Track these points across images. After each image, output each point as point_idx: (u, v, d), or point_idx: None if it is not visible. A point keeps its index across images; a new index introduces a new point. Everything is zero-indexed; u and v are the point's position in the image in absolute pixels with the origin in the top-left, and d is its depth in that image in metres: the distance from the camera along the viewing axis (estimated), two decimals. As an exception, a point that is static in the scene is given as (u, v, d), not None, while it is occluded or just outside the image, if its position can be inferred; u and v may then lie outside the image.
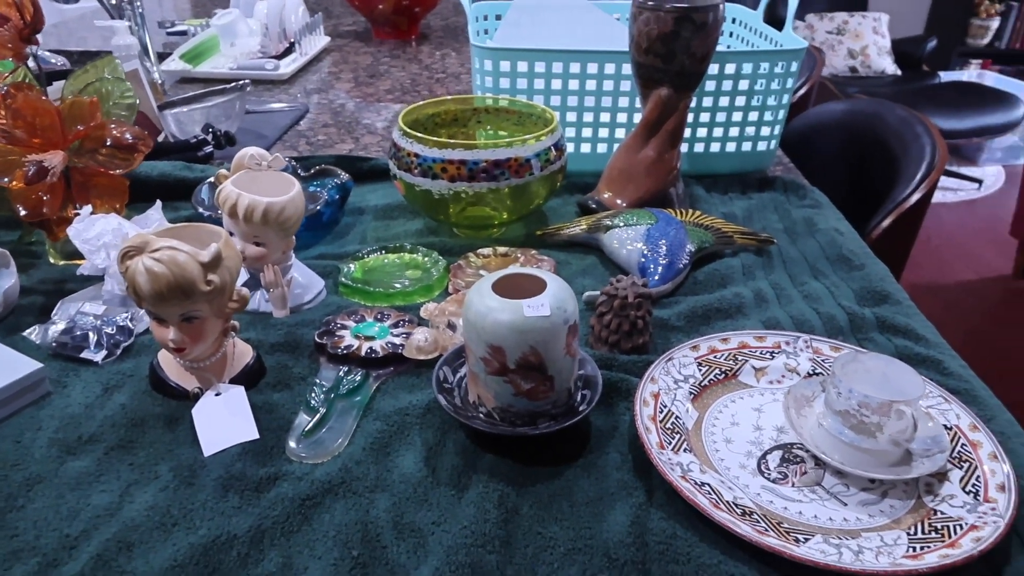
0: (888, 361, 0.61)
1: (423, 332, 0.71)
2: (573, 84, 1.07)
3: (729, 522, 0.53)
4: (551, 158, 0.90)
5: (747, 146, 1.14)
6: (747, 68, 1.06)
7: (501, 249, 0.90)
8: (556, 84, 1.07)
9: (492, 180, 0.86)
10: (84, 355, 0.71)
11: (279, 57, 1.70)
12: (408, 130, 0.89)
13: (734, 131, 1.12)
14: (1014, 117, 3.41)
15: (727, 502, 0.55)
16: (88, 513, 0.56)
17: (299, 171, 1.00)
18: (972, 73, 4.40)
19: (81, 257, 0.90)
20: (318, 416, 0.64)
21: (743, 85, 1.08)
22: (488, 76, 1.07)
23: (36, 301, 0.82)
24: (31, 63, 0.87)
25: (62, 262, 0.90)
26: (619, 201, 0.99)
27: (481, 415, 0.62)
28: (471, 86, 1.63)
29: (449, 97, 1.02)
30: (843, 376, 0.59)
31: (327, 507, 0.56)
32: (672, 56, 0.90)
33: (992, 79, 4.29)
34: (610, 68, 1.05)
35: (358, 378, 0.68)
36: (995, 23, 4.38)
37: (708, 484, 0.56)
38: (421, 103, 0.98)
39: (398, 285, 0.82)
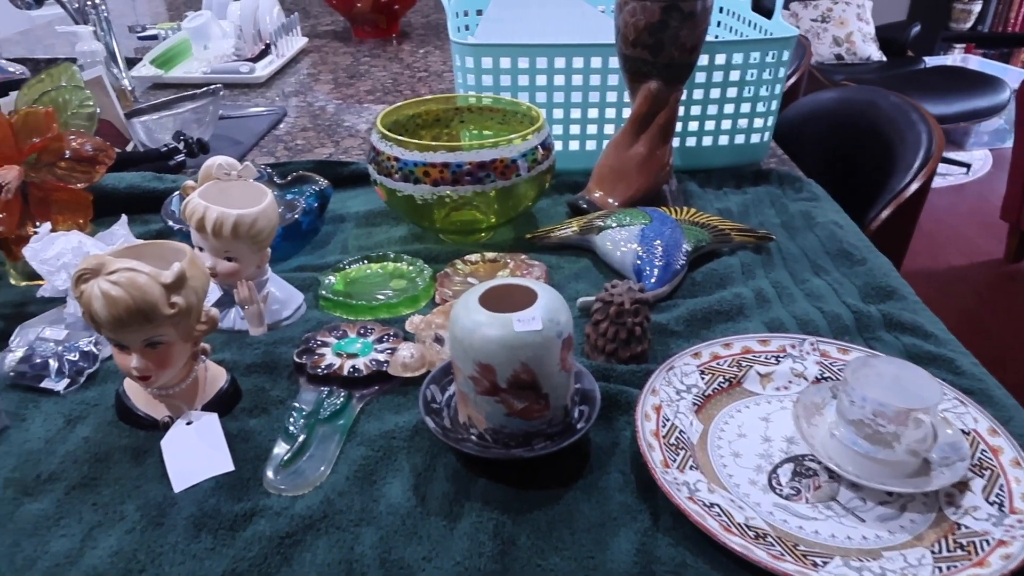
0: (901, 365, 0.58)
1: (408, 348, 0.67)
2: (559, 80, 1.02)
3: (742, 547, 0.49)
4: (538, 158, 0.86)
5: (740, 139, 1.10)
6: (738, 58, 1.02)
7: (489, 255, 0.86)
8: (541, 80, 1.03)
9: (477, 183, 0.82)
10: (44, 384, 0.67)
11: (255, 60, 1.65)
12: (387, 132, 0.84)
13: (726, 124, 1.08)
14: (1000, 100, 3.39)
15: (739, 524, 0.51)
16: (46, 562, 0.51)
17: (275, 178, 0.95)
18: (956, 57, 4.38)
19: (42, 278, 0.86)
20: (298, 443, 0.59)
21: (734, 76, 1.04)
22: (470, 74, 1.03)
23: (-4, 326, 0.77)
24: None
25: (23, 283, 0.85)
26: (611, 200, 0.95)
27: (472, 437, 0.58)
28: (455, 85, 1.60)
29: (430, 96, 0.98)
30: (856, 383, 0.55)
31: (308, 545, 0.52)
32: (660, 48, 0.86)
33: (976, 63, 4.28)
34: (596, 62, 1.01)
35: (340, 400, 0.64)
36: (977, 6, 4.37)
37: (718, 505, 0.53)
38: (401, 103, 0.94)
39: (381, 297, 0.78)
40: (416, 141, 0.82)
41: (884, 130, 1.22)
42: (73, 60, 1.37)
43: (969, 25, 4.42)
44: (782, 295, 0.81)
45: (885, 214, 1.06)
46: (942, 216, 2.99)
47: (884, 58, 3.91)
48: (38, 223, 0.81)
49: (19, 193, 0.79)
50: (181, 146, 1.14)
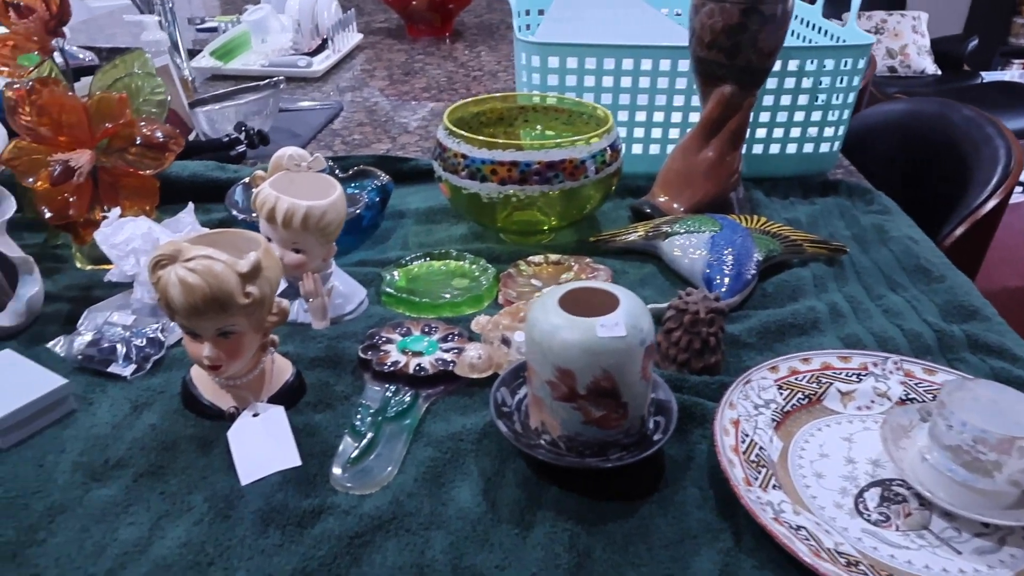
0: (999, 389, 0.55)
1: (476, 348, 0.66)
2: (625, 81, 1.00)
3: (833, 574, 0.46)
4: (607, 160, 0.84)
5: (808, 148, 1.07)
6: (812, 64, 0.99)
7: (553, 257, 0.84)
8: (607, 81, 1.01)
9: (545, 183, 0.81)
10: (111, 369, 0.67)
11: (311, 54, 1.65)
12: (454, 129, 0.83)
13: (795, 131, 1.05)
14: (1062, 118, 3.28)
15: (828, 549, 0.49)
16: (115, 549, 0.51)
17: (337, 172, 0.95)
18: (1015, 73, 4.26)
19: (109, 262, 0.86)
20: (365, 441, 0.58)
21: (805, 83, 1.01)
22: (535, 73, 1.01)
23: (61, 309, 0.77)
24: (57, 57, 0.82)
25: (89, 267, 0.85)
26: (676, 205, 0.93)
27: (544, 443, 0.56)
28: (509, 84, 1.58)
29: (498, 94, 0.96)
30: (953, 407, 0.52)
31: (378, 546, 0.51)
32: (737, 51, 0.84)
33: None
34: (665, 64, 0.99)
35: (407, 399, 0.63)
36: (1038, 19, 4.24)
37: (804, 528, 0.50)
38: (466, 100, 0.93)
39: (447, 295, 0.77)
40: (484, 138, 0.81)
41: (957, 144, 1.18)
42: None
43: (1030, 40, 4.29)
44: (857, 310, 0.78)
45: (960, 231, 1.02)
46: (1015, 234, 2.88)
47: (939, 72, 3.81)
48: (106, 208, 0.81)
49: (89, 177, 0.80)
50: (242, 137, 1.14)
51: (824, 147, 1.07)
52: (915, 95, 3.41)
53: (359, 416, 0.61)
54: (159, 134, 0.82)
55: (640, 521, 0.53)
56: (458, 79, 1.64)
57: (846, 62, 1.00)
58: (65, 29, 0.80)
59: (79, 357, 0.68)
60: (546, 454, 0.55)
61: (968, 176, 1.11)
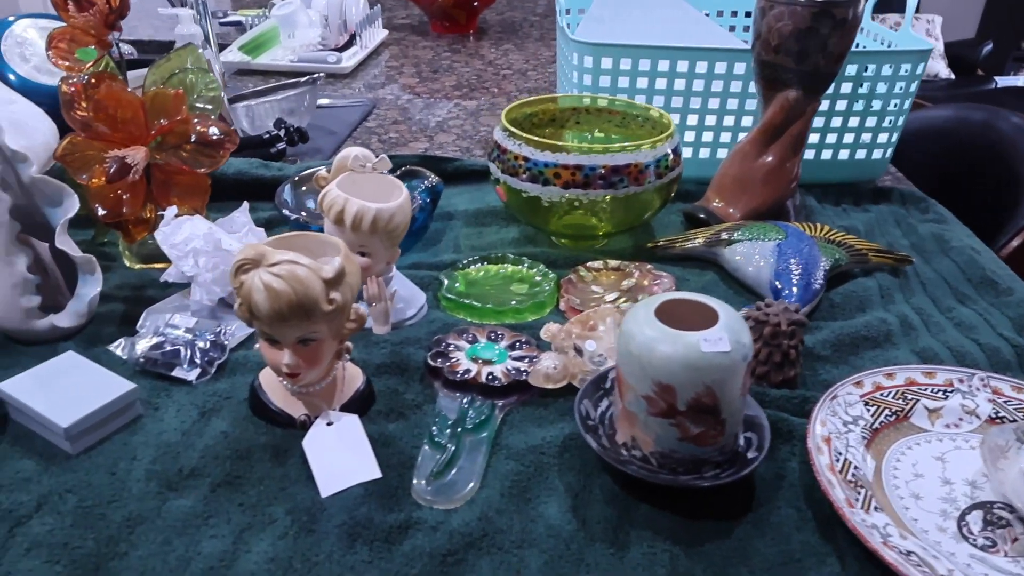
0: (1100, 409, 0.53)
1: (551, 358, 0.64)
2: (678, 84, 0.99)
3: (949, 602, 0.45)
4: (669, 164, 0.82)
5: (860, 154, 1.05)
6: (869, 70, 0.98)
7: (612, 263, 0.83)
8: (660, 84, 0.99)
9: (609, 187, 0.79)
10: (176, 373, 0.65)
11: (339, 50, 1.63)
12: (515, 131, 0.81)
13: (849, 137, 1.04)
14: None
15: (939, 576, 0.47)
16: (199, 564, 0.49)
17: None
18: (1028, 79, 4.25)
19: (159, 261, 0.84)
20: (449, 454, 0.56)
21: (862, 88, 0.99)
22: (587, 73, 0.99)
23: (115, 309, 0.75)
24: (112, 52, 0.80)
25: (138, 266, 0.83)
26: (731, 211, 0.92)
27: (635, 459, 0.54)
28: (540, 84, 1.56)
29: (550, 95, 0.95)
30: (1059, 428, 0.51)
31: (471, 565, 0.49)
32: (805, 55, 0.82)
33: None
34: (720, 67, 0.97)
35: (485, 410, 0.61)
36: (1052, 26, 4.22)
37: (915, 553, 0.49)
38: (520, 102, 0.91)
39: (514, 302, 0.75)
40: (548, 141, 0.79)
41: (1006, 152, 1.16)
42: (170, 44, 1.37)
43: (1045, 46, 4.28)
44: (928, 323, 0.76)
45: (1016, 242, 1.01)
46: None
47: (952, 76, 3.80)
48: (163, 206, 0.79)
49: (143, 175, 0.78)
50: (282, 134, 1.12)
51: (876, 154, 1.05)
52: (929, 100, 3.40)
53: (436, 427, 0.59)
54: (214, 131, 0.80)
55: (737, 543, 0.51)
56: (487, 77, 1.62)
57: (904, 68, 0.98)
58: (121, 23, 0.78)
59: (141, 360, 0.66)
60: (638, 471, 0.53)
61: (1019, 185, 1.10)
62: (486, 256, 0.84)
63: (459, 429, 0.59)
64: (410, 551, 0.50)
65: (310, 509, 0.53)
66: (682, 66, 0.97)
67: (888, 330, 0.74)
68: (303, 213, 0.90)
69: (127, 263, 0.84)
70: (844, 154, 1.05)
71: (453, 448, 0.57)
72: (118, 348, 0.68)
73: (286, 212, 0.87)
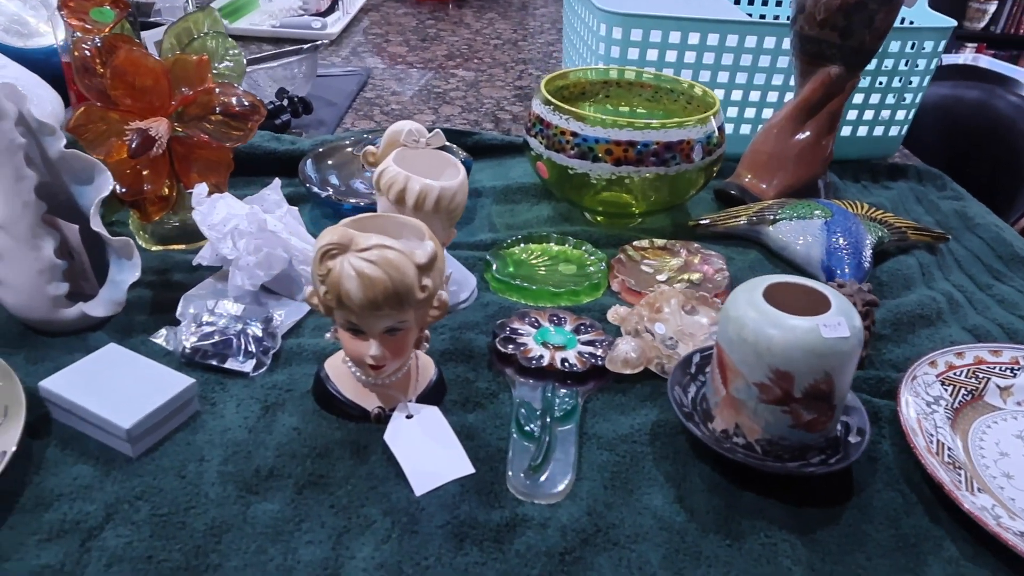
0: None
1: (629, 342, 0.62)
2: (707, 58, 0.97)
3: (1071, 582, 0.45)
4: (716, 142, 0.80)
5: (877, 131, 1.06)
6: (893, 46, 0.98)
7: (658, 241, 0.81)
8: (688, 57, 0.97)
9: (661, 164, 0.77)
10: (229, 365, 0.60)
11: (322, 15, 1.55)
12: (560, 104, 0.78)
13: (868, 114, 1.04)
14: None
15: (1053, 555, 0.48)
16: (302, 573, 0.45)
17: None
18: (967, 56, 4.39)
19: (178, 242, 0.79)
20: (545, 445, 0.54)
21: (886, 64, 0.99)
22: (615, 45, 0.96)
23: (142, 296, 0.69)
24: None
25: (156, 247, 0.77)
26: (763, 187, 0.91)
27: (738, 446, 0.53)
28: (533, 53, 1.52)
29: (584, 68, 0.92)
30: None
31: (590, 563, 0.47)
32: (851, 31, 0.81)
33: (986, 62, 4.29)
34: (751, 41, 0.95)
35: (571, 398, 0.59)
36: (992, 6, 4.38)
37: (1027, 534, 0.49)
38: (559, 72, 0.88)
39: (571, 283, 0.73)
40: (599, 115, 0.76)
41: (1005, 131, 1.19)
42: (149, 4, 1.27)
43: (983, 25, 4.43)
44: (972, 300, 0.77)
45: (1026, 220, 1.03)
46: None
47: (903, 53, 3.90)
48: (185, 183, 0.74)
49: (167, 149, 0.72)
50: (286, 104, 1.06)
51: (893, 131, 1.06)
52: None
53: (522, 416, 0.57)
54: (240, 101, 0.74)
55: (847, 528, 0.51)
56: (478, 47, 1.57)
57: (925, 44, 0.99)
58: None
59: (187, 351, 0.61)
60: (744, 458, 0.52)
61: (1021, 164, 1.12)
62: (528, 236, 0.81)
63: (548, 419, 0.56)
64: (524, 550, 0.47)
65: (407, 509, 0.50)
66: (712, 39, 0.95)
67: (938, 308, 0.74)
68: (328, 190, 0.85)
69: (143, 244, 0.77)
70: (863, 130, 1.05)
71: (548, 439, 0.55)
72: (161, 338, 0.63)
73: (315, 189, 0.82)
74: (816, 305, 0.51)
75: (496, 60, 1.49)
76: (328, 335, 0.56)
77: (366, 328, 0.51)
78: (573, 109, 0.77)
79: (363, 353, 0.52)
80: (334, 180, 0.88)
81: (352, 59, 1.45)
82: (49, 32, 1.15)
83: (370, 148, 0.68)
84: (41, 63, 1.02)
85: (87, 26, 0.67)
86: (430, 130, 0.68)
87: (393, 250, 0.49)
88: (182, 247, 0.78)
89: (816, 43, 0.84)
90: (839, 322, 0.49)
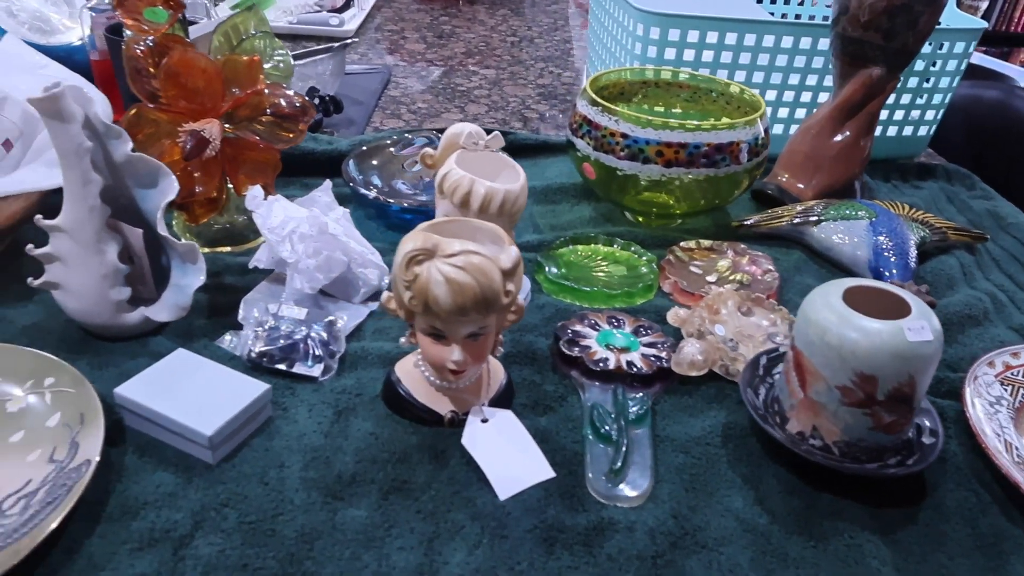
0: None
1: (694, 344, 0.62)
2: (744, 58, 0.97)
3: None
4: (762, 143, 0.81)
5: (907, 131, 1.07)
6: (924, 48, 0.99)
7: (705, 242, 0.81)
8: (725, 57, 0.97)
9: (711, 166, 0.77)
10: (298, 369, 0.60)
11: (338, 11, 1.54)
12: (609, 105, 0.78)
13: (898, 114, 1.05)
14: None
15: None
16: (399, 579, 0.45)
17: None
18: (959, 53, 4.44)
19: (225, 244, 0.78)
20: (624, 448, 0.54)
21: (917, 65, 1.00)
22: (652, 45, 0.96)
23: (197, 299, 0.69)
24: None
25: (205, 249, 0.77)
26: (801, 187, 0.91)
27: (815, 448, 0.54)
28: (552, 51, 1.52)
29: (624, 68, 0.92)
30: None
31: (681, 567, 0.47)
32: (895, 32, 0.82)
33: (976, 59, 4.34)
34: (787, 41, 0.96)
35: (644, 401, 0.59)
36: (983, 3, 4.42)
37: (1106, 533, 0.50)
38: (599, 73, 0.88)
39: (627, 286, 0.73)
40: (651, 117, 0.77)
41: (1023, 132, 1.20)
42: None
43: (974, 22, 4.48)
44: (1015, 300, 0.78)
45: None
46: None
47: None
48: (235, 185, 0.73)
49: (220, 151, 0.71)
50: (317, 103, 1.05)
51: (921, 131, 1.07)
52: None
53: (598, 418, 0.57)
54: (289, 103, 0.74)
55: (925, 528, 0.51)
56: (496, 44, 1.57)
57: (956, 46, 1.00)
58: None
59: (252, 355, 0.60)
60: (824, 460, 0.53)
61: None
62: (574, 237, 0.81)
63: (623, 422, 0.57)
64: (615, 554, 0.48)
65: (494, 514, 0.50)
66: (749, 39, 0.96)
67: (984, 308, 0.75)
68: (375, 192, 0.85)
69: (191, 246, 0.77)
70: (892, 130, 1.06)
71: (626, 442, 0.55)
72: (227, 343, 0.62)
73: (361, 191, 0.82)
74: (891, 308, 0.52)
75: (515, 58, 1.49)
76: (403, 340, 0.55)
77: (449, 333, 0.51)
78: (624, 111, 0.77)
79: (445, 358, 0.52)
80: (376, 181, 0.87)
81: (371, 56, 1.44)
82: (72, 28, 1.14)
83: (428, 150, 0.68)
84: (63, 61, 1.00)
85: (144, 27, 0.66)
86: (488, 132, 0.67)
87: (479, 255, 0.49)
88: (228, 249, 0.77)
89: (859, 44, 0.84)
90: (922, 325, 0.49)
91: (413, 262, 0.49)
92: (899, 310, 0.51)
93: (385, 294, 0.54)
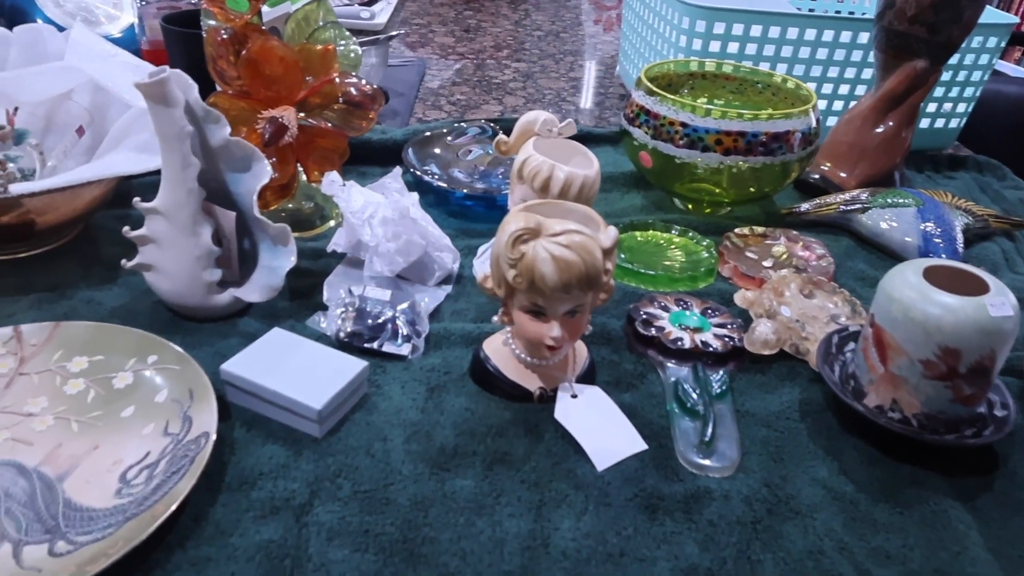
0: None
1: (767, 324, 0.65)
2: (786, 51, 1.00)
3: None
4: (814, 132, 0.83)
5: (939, 123, 1.10)
6: (960, 41, 1.01)
7: (758, 229, 0.84)
8: (768, 50, 1.00)
9: (768, 155, 0.79)
10: (388, 348, 0.62)
11: (368, 4, 1.56)
12: (666, 95, 0.80)
13: (931, 107, 1.08)
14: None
15: None
16: (514, 543, 0.47)
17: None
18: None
19: (296, 229, 0.80)
20: (711, 423, 0.56)
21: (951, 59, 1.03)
22: (697, 38, 0.99)
23: (275, 281, 0.70)
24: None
25: (275, 235, 0.78)
26: (843, 175, 0.94)
27: (894, 421, 0.56)
28: (576, 45, 1.54)
29: (674, 60, 0.94)
30: None
31: (779, 532, 0.50)
32: (940, 27, 0.84)
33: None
34: (828, 35, 0.98)
35: (726, 378, 0.61)
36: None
37: None
38: (651, 64, 0.90)
39: (690, 270, 0.75)
40: (709, 106, 0.79)
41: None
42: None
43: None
44: (1058, 285, 0.81)
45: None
46: None
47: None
48: (308, 172, 0.75)
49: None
50: (364, 94, 1.07)
51: (952, 123, 1.10)
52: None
53: (684, 393, 0.59)
54: (360, 91, 0.75)
55: (1002, 496, 0.54)
56: (523, 38, 1.59)
57: (989, 40, 1.03)
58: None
59: (341, 335, 0.62)
60: (903, 431, 0.55)
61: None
62: (631, 224, 0.83)
63: (707, 397, 0.59)
64: (716, 520, 0.50)
65: (596, 484, 0.52)
66: (791, 32, 0.98)
67: (1031, 292, 0.78)
68: (436, 176, 0.87)
69: (261, 232, 0.78)
70: (924, 122, 1.09)
71: (714, 416, 0.57)
72: (319, 322, 0.64)
73: (425, 178, 0.83)
74: (968, 286, 0.54)
75: (544, 52, 1.51)
76: (496, 318, 0.57)
77: (550, 310, 0.53)
78: (685, 100, 0.79)
79: (543, 334, 0.54)
80: (434, 169, 0.89)
81: (403, 49, 1.45)
82: (117, 18, 1.15)
83: (502, 137, 0.70)
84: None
85: (230, 16, 0.68)
86: (561, 120, 0.69)
87: (582, 234, 0.51)
88: (299, 234, 0.79)
89: (904, 38, 0.87)
90: (1003, 301, 0.52)
91: (519, 241, 0.51)
92: (976, 288, 0.54)
93: (481, 273, 0.56)
